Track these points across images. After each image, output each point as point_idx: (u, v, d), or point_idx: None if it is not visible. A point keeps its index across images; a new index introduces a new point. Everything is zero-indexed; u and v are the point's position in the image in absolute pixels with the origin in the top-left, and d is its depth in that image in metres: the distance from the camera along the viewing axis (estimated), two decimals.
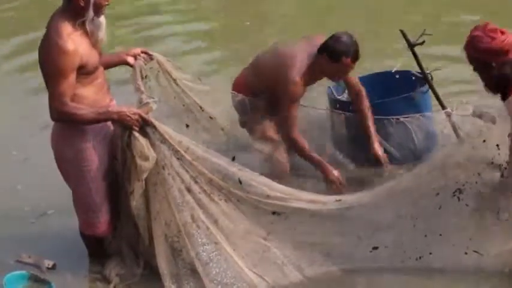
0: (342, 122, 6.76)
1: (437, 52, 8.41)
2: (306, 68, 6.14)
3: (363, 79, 6.67)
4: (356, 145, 6.70)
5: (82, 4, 5.23)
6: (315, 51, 6.18)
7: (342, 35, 6.12)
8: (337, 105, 6.74)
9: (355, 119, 6.56)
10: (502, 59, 5.30)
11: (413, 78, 6.61)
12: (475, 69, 5.45)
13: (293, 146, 6.29)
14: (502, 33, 5.31)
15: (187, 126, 5.98)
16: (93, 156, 5.47)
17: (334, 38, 6.12)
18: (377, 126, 6.49)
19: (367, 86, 6.50)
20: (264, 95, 6.36)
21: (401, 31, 6.34)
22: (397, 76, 6.75)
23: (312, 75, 6.18)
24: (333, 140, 6.84)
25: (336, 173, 6.21)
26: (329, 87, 6.80)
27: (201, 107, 6.11)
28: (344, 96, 6.80)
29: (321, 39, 6.22)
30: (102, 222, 5.62)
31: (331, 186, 6.20)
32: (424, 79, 6.49)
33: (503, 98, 5.35)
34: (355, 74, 6.60)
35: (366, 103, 6.49)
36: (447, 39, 8.66)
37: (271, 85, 6.27)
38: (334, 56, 6.10)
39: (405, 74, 6.72)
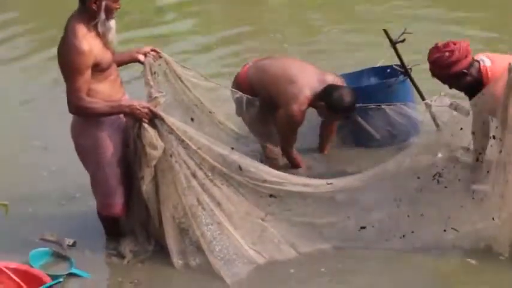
0: None
1: None
2: (307, 103, 6.23)
3: (353, 75, 6.75)
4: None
5: (95, 8, 5.27)
6: (320, 90, 6.23)
7: (345, 95, 6.18)
8: None
9: None
10: (465, 63, 5.41)
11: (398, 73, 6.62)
12: (451, 87, 5.56)
13: (289, 161, 6.52)
14: (454, 43, 5.42)
15: (192, 119, 5.97)
16: (109, 144, 5.50)
17: (338, 93, 6.17)
18: (360, 110, 6.53)
19: (358, 81, 6.55)
20: (261, 96, 6.40)
21: (384, 30, 6.35)
22: (388, 70, 6.76)
23: (309, 106, 6.29)
24: None
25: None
26: None
27: (202, 103, 6.10)
28: None
29: (332, 80, 6.30)
30: (118, 204, 5.64)
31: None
32: (405, 73, 6.51)
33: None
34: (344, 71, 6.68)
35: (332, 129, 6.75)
36: None
37: (272, 96, 6.34)
38: (332, 108, 6.21)
39: (392, 69, 6.72)
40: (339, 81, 6.41)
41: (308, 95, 6.21)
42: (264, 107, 6.40)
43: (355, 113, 6.46)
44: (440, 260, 5.57)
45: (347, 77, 6.67)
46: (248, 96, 6.37)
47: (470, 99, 5.55)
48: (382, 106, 6.53)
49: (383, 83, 6.60)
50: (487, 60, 5.49)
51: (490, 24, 9.37)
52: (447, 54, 5.40)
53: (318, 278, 5.52)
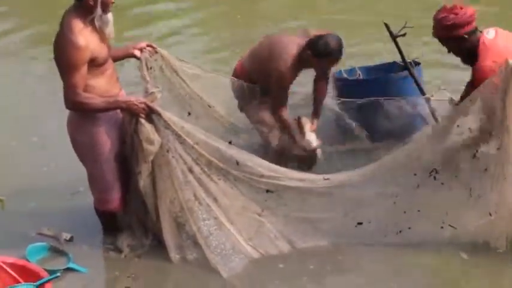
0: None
1: None
2: (292, 59, 6.10)
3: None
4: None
5: (91, 3, 5.20)
6: (303, 45, 6.13)
7: (331, 40, 6.05)
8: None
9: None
10: (468, 28, 5.38)
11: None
12: (449, 51, 5.51)
13: (279, 121, 6.27)
14: (461, 8, 5.39)
15: (189, 114, 5.91)
16: (105, 139, 5.45)
17: (323, 40, 6.05)
18: (357, 104, 6.47)
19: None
20: (259, 82, 6.32)
21: (385, 24, 6.26)
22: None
23: (298, 65, 6.15)
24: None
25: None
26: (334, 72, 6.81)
27: (200, 97, 6.03)
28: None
29: (313, 33, 6.18)
30: (115, 199, 5.60)
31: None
32: (406, 67, 6.42)
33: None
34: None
35: (323, 90, 6.51)
36: None
37: (264, 73, 6.22)
38: (318, 55, 6.07)
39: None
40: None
41: (293, 50, 6.11)
42: (264, 94, 6.32)
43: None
44: (435, 255, 5.52)
45: (363, 70, 6.64)
46: (248, 84, 6.31)
47: (465, 64, 5.55)
48: (381, 99, 6.43)
49: (393, 76, 6.55)
50: (492, 33, 5.46)
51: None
52: (452, 16, 5.38)
53: (302, 276, 5.47)
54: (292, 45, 6.13)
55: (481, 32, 5.46)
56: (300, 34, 6.27)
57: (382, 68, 6.84)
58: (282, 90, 6.20)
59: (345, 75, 6.86)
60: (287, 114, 6.28)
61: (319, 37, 6.08)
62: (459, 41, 5.42)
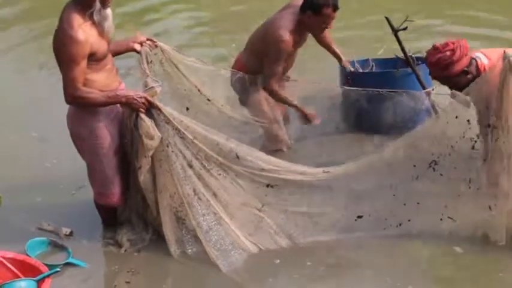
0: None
1: None
2: (292, 26, 6.18)
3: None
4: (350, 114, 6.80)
5: None
6: (297, 11, 6.19)
7: None
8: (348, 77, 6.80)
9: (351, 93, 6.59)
10: (465, 61, 5.32)
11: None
12: (451, 87, 5.45)
13: (272, 95, 6.38)
14: (453, 43, 5.32)
15: (187, 109, 5.90)
16: (105, 134, 5.45)
17: None
18: (361, 97, 6.48)
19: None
20: (259, 70, 6.35)
21: (386, 18, 6.27)
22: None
23: (298, 31, 6.21)
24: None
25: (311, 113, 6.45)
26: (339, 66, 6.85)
27: (199, 90, 6.00)
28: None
29: (301, 1, 6.25)
30: (115, 193, 5.61)
31: (309, 122, 6.48)
32: (407, 61, 6.41)
33: None
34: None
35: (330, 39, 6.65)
36: None
37: (265, 53, 6.25)
38: (316, 9, 6.11)
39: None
40: None
41: (288, 18, 6.19)
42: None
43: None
44: (433, 250, 5.53)
45: (377, 62, 6.65)
46: (249, 75, 6.33)
47: None
48: (383, 91, 6.45)
49: (388, 73, 6.57)
50: (484, 58, 5.40)
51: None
52: (448, 53, 5.29)
53: (297, 272, 5.45)
54: (286, 15, 6.22)
55: (473, 58, 5.40)
56: (287, 6, 6.35)
57: (383, 62, 6.84)
58: (279, 62, 6.21)
59: (358, 66, 6.87)
60: (277, 86, 6.35)
61: None
62: (460, 75, 5.35)
